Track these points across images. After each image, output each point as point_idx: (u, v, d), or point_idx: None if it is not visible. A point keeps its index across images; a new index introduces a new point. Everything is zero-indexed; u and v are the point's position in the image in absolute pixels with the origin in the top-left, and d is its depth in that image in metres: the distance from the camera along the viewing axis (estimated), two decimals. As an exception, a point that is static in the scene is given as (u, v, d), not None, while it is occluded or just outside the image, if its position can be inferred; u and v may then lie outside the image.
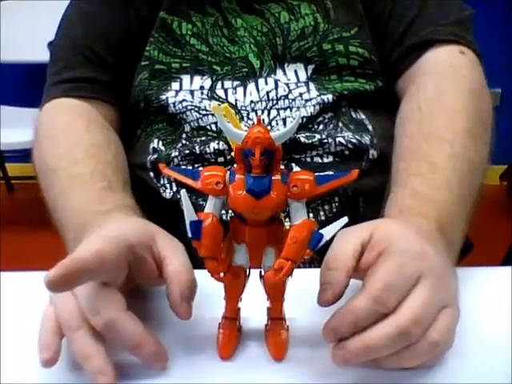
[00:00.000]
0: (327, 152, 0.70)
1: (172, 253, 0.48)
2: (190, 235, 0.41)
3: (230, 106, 0.46)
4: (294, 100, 0.71)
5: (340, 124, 0.72)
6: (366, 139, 0.71)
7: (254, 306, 0.47)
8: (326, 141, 0.70)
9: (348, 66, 0.73)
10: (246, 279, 0.45)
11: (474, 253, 0.73)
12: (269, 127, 0.69)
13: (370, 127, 0.73)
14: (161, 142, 0.73)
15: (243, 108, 0.71)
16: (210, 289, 0.45)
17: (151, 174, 0.72)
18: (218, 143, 0.69)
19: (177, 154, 0.71)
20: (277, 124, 0.70)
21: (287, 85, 0.72)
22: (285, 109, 0.71)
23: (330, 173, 0.68)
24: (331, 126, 0.72)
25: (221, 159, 0.70)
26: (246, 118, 0.70)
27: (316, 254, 0.41)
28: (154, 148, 0.73)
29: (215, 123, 0.71)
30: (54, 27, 0.79)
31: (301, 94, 0.71)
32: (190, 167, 0.71)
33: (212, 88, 0.72)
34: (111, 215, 0.55)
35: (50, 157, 0.66)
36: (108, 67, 0.75)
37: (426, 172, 0.58)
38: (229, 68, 0.73)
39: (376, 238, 0.45)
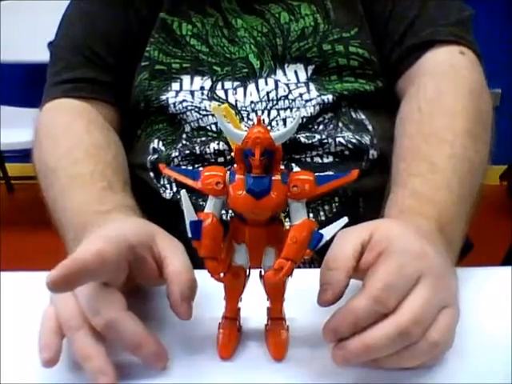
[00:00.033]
0: (327, 152, 0.70)
1: (172, 253, 0.48)
2: (189, 235, 0.41)
3: (230, 107, 0.46)
4: (294, 100, 0.71)
5: (340, 124, 0.72)
6: (366, 139, 0.71)
7: (254, 306, 0.47)
8: (326, 141, 0.70)
9: (348, 67, 0.73)
10: (246, 279, 0.45)
11: (474, 253, 0.73)
12: (269, 127, 0.69)
13: (370, 127, 0.73)
14: (161, 142, 0.73)
15: (243, 108, 0.71)
16: (210, 289, 0.45)
17: (151, 174, 0.72)
18: (218, 143, 0.70)
19: (177, 154, 0.71)
20: (277, 124, 0.70)
21: (287, 85, 0.72)
22: (285, 109, 0.71)
23: (330, 173, 0.68)
24: (331, 126, 0.72)
25: (221, 159, 0.70)
26: (246, 119, 0.70)
27: (316, 254, 0.41)
28: (154, 148, 0.73)
29: (215, 123, 0.71)
30: (54, 27, 0.79)
31: (301, 95, 0.71)
32: (190, 167, 0.71)
33: (212, 88, 0.72)
34: (111, 215, 0.55)
35: (50, 157, 0.66)
36: (108, 67, 0.75)
37: (426, 172, 0.58)
38: (229, 68, 0.73)
39: (376, 238, 0.45)
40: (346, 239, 0.46)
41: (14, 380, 0.45)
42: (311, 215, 0.67)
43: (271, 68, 0.73)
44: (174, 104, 0.72)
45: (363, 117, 0.74)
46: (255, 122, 0.39)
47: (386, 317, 0.41)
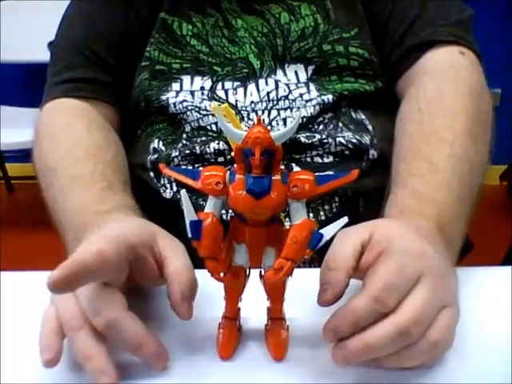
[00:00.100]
0: (327, 152, 0.70)
1: (173, 253, 0.48)
2: (190, 235, 0.41)
3: (230, 107, 0.46)
4: (294, 100, 0.71)
5: (340, 124, 0.72)
6: (366, 139, 0.71)
7: (254, 306, 0.47)
8: (326, 141, 0.70)
9: (348, 67, 0.73)
10: (246, 279, 0.45)
11: (474, 253, 0.73)
12: (269, 127, 0.69)
13: (370, 127, 0.73)
14: (161, 142, 0.73)
15: (243, 108, 0.71)
16: (210, 289, 0.45)
17: (151, 173, 0.72)
18: (219, 143, 0.70)
19: (177, 154, 0.71)
20: (277, 124, 0.70)
21: (287, 85, 0.72)
22: (285, 109, 0.71)
23: (330, 173, 0.68)
24: (331, 126, 0.72)
25: (221, 159, 0.70)
26: (246, 119, 0.71)
27: (316, 254, 0.41)
28: (154, 148, 0.73)
29: (215, 123, 0.71)
30: (54, 27, 0.79)
31: (301, 95, 0.71)
32: (191, 167, 0.71)
33: (212, 89, 0.72)
34: (111, 215, 0.55)
35: (50, 157, 0.66)
36: (108, 67, 0.75)
37: (426, 172, 0.58)
38: (229, 69, 0.73)
39: (376, 238, 0.45)
40: (346, 239, 0.46)
41: (14, 380, 0.45)
42: (311, 215, 0.67)
43: (271, 68, 0.73)
44: (175, 104, 0.72)
45: (363, 117, 0.74)
46: (255, 122, 0.39)
47: (386, 316, 0.41)
